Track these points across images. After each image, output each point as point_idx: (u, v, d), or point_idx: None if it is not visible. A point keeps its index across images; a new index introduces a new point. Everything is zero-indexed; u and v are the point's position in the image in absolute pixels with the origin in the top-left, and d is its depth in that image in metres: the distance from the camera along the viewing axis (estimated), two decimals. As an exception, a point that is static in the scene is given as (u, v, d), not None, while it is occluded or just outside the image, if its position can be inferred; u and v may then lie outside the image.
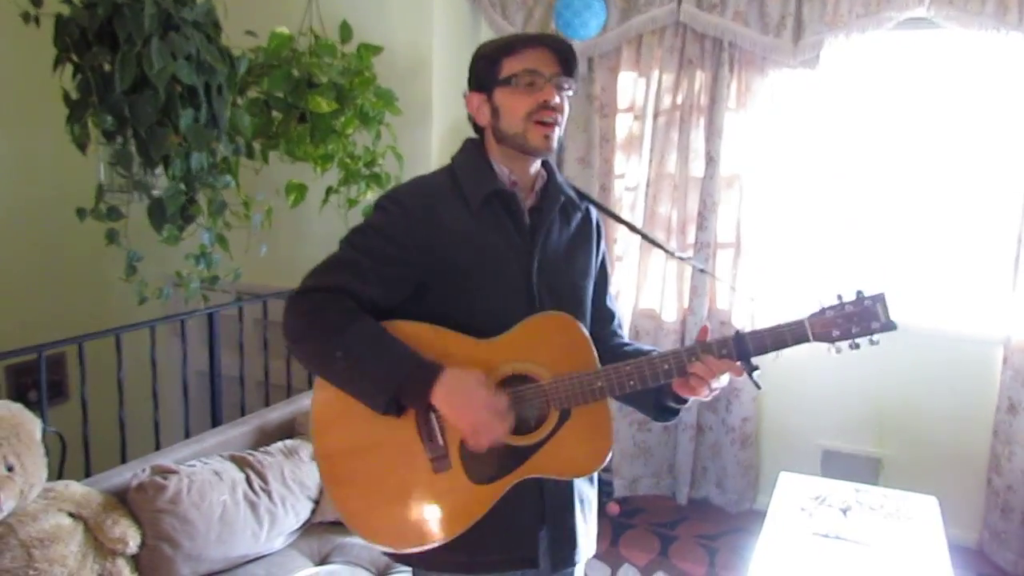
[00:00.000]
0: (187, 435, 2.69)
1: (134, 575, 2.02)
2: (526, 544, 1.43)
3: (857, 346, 1.34)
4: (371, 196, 2.98)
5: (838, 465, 3.31)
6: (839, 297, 1.34)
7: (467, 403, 1.30)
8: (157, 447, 2.70)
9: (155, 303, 2.83)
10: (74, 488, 2.01)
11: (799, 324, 1.34)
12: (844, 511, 2.43)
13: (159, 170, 2.49)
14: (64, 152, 2.63)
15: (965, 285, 3.21)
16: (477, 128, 1.48)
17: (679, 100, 3.36)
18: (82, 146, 2.41)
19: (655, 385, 1.38)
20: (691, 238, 3.42)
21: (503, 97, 1.40)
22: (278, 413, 2.70)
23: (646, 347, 1.53)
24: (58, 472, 2.15)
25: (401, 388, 1.30)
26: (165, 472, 2.11)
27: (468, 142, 1.49)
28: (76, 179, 3.15)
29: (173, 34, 2.32)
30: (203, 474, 2.17)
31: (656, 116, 3.38)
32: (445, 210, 1.39)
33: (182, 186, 2.48)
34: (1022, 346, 2.96)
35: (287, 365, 3.31)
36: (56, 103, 2.39)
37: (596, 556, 2.96)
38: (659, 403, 1.47)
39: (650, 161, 3.42)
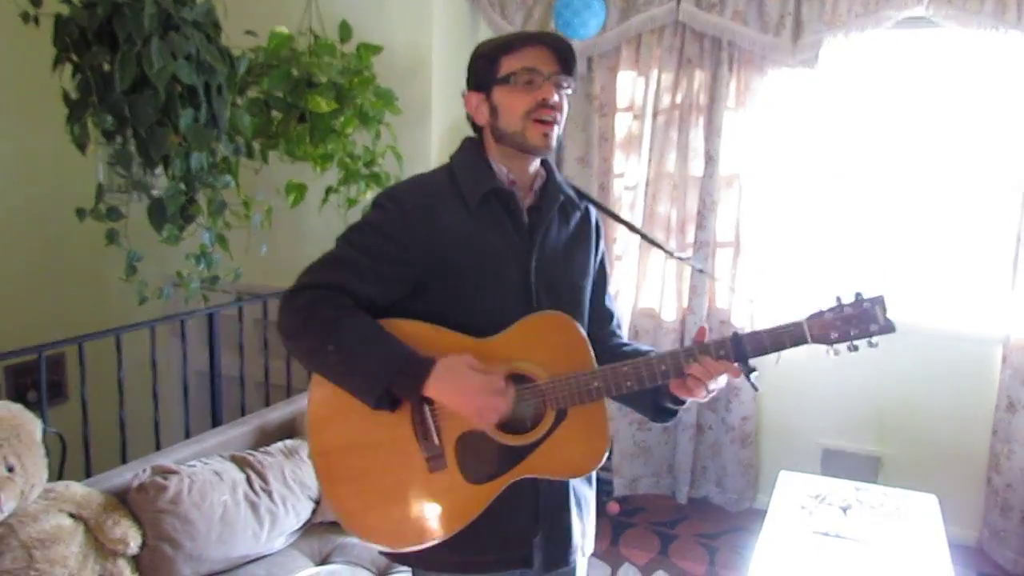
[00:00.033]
0: (187, 435, 2.69)
1: (135, 575, 2.02)
2: (521, 544, 1.43)
3: (855, 348, 1.34)
4: (371, 195, 2.98)
5: (838, 464, 3.31)
6: (838, 299, 1.34)
7: (462, 389, 1.30)
8: (157, 447, 2.71)
9: (155, 303, 2.83)
10: (75, 489, 2.01)
11: (797, 326, 1.34)
12: (844, 510, 2.43)
13: (159, 170, 2.49)
14: (64, 152, 2.63)
15: (964, 284, 3.21)
16: (476, 128, 1.48)
17: (678, 99, 3.36)
18: (82, 146, 2.41)
19: (652, 386, 1.38)
20: (690, 237, 3.42)
21: (502, 96, 1.39)
22: (278, 413, 2.70)
23: (644, 347, 1.52)
24: (58, 473, 2.15)
25: (394, 381, 1.30)
26: (166, 472, 2.11)
27: (467, 141, 1.49)
28: (76, 179, 3.16)
29: (173, 34, 2.32)
30: (204, 474, 2.17)
31: (655, 115, 3.39)
32: (443, 209, 1.39)
33: (182, 186, 2.48)
34: (1021, 345, 2.97)
35: (287, 365, 3.31)
36: (56, 103, 2.39)
37: (596, 555, 2.96)
38: (657, 404, 1.47)
39: (649, 160, 3.42)
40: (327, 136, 2.88)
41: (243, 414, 2.96)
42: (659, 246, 1.75)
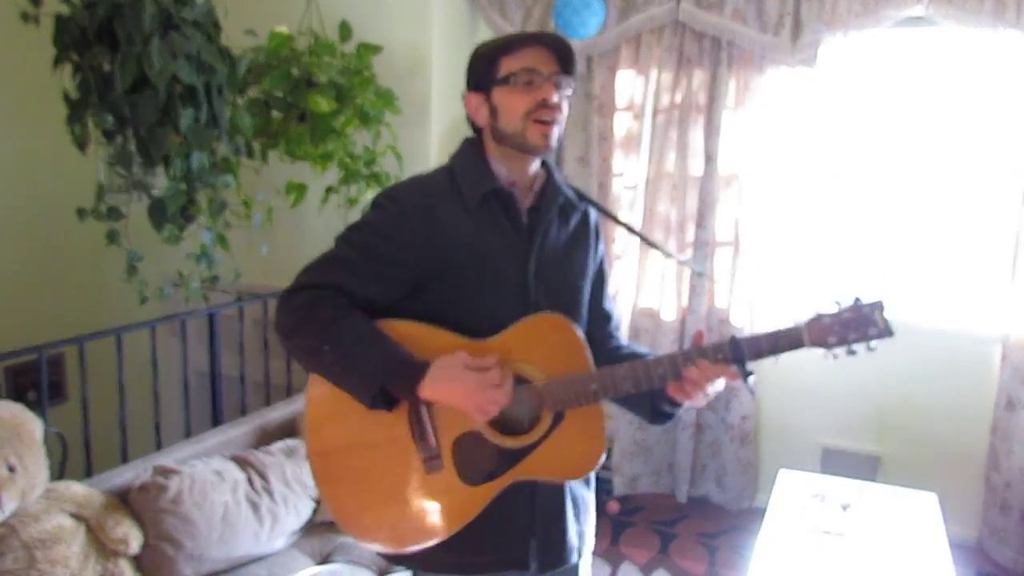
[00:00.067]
0: (188, 435, 2.69)
1: (136, 575, 2.02)
2: (516, 546, 1.43)
3: (853, 353, 1.33)
4: (371, 195, 2.98)
5: (838, 463, 3.32)
6: (837, 303, 1.33)
7: (459, 386, 1.30)
8: (158, 447, 2.71)
9: (155, 303, 2.83)
10: (75, 488, 2.01)
11: (795, 330, 1.33)
12: (844, 508, 2.43)
13: (159, 170, 2.49)
14: (64, 152, 2.63)
15: (964, 283, 3.22)
16: (475, 129, 1.47)
17: (678, 99, 3.37)
18: (82, 146, 2.41)
19: (649, 389, 1.37)
20: (690, 236, 3.42)
21: (501, 96, 1.39)
22: (279, 413, 2.71)
23: (642, 349, 1.52)
24: (59, 473, 2.15)
25: (389, 381, 1.30)
26: (167, 472, 2.12)
27: (466, 142, 1.49)
28: (76, 179, 3.16)
29: (173, 34, 2.33)
30: (205, 474, 2.18)
31: (655, 115, 3.39)
32: (442, 209, 1.39)
33: (182, 186, 2.48)
34: (1020, 343, 2.97)
35: (287, 365, 3.31)
36: (56, 103, 2.39)
37: (596, 554, 2.97)
38: (654, 407, 1.46)
39: (649, 160, 3.42)
40: (327, 136, 2.88)
41: (243, 414, 2.96)
42: (658, 248, 1.75)
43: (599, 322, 1.58)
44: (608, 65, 3.47)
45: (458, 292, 1.39)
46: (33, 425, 1.95)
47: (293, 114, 2.87)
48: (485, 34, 3.56)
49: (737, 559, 3.07)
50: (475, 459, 1.35)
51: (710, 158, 3.31)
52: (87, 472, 2.43)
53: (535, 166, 1.47)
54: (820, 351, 1.34)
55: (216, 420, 2.94)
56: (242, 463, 2.32)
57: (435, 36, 3.30)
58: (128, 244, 2.57)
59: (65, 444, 2.24)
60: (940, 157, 3.19)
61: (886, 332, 1.31)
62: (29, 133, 3.42)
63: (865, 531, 2.30)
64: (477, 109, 1.43)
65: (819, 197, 3.36)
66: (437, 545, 1.36)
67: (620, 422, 3.50)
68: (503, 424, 1.36)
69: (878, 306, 1.32)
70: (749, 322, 3.37)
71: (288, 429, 2.64)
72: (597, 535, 1.59)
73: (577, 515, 1.51)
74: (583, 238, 1.53)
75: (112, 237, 2.53)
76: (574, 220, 1.51)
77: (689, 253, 3.42)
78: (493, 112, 1.41)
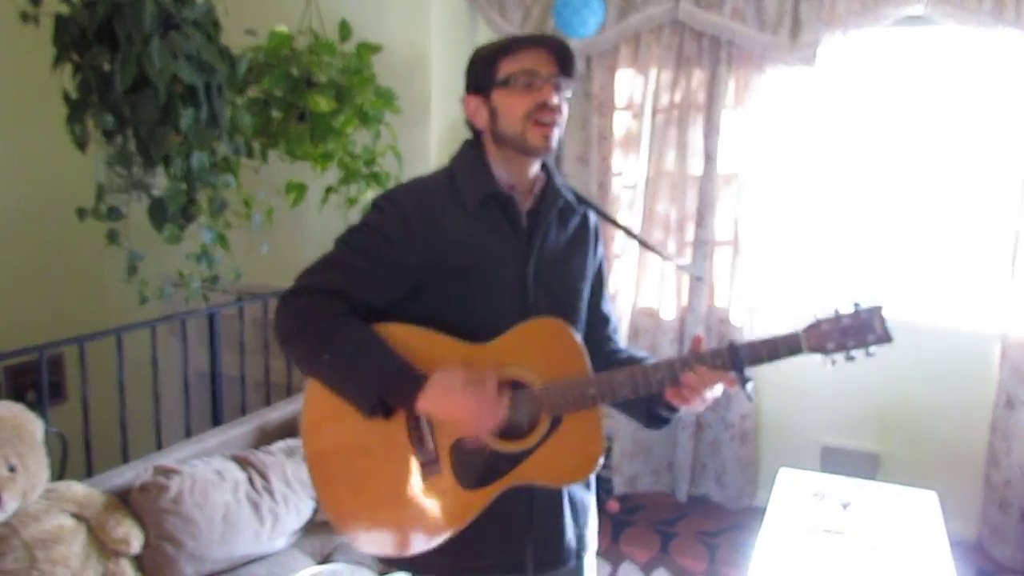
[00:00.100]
0: (188, 435, 2.69)
1: (137, 575, 2.02)
2: (513, 549, 1.43)
3: (852, 359, 1.33)
4: (371, 195, 2.98)
5: (837, 461, 3.32)
6: (836, 310, 1.33)
7: (456, 403, 1.29)
8: (158, 447, 2.71)
9: (155, 303, 2.83)
10: (76, 488, 2.01)
11: (794, 336, 1.33)
12: (844, 507, 2.43)
13: (159, 170, 2.49)
14: (64, 152, 2.64)
15: (963, 281, 3.22)
16: (475, 132, 1.47)
17: (677, 98, 3.37)
18: (82, 146, 2.41)
19: (647, 394, 1.37)
20: (689, 236, 3.42)
21: (501, 98, 1.39)
22: (279, 412, 2.71)
23: (640, 353, 1.52)
24: (59, 473, 2.15)
25: (387, 393, 1.30)
26: (167, 472, 2.12)
27: (466, 144, 1.48)
28: (76, 179, 3.16)
29: (173, 33, 2.33)
30: (205, 474, 2.18)
31: (654, 114, 3.39)
32: (442, 212, 1.39)
33: (183, 186, 2.48)
34: (1019, 342, 2.97)
35: (287, 364, 3.30)
36: (56, 103, 2.39)
37: (597, 554, 2.97)
38: (651, 411, 1.46)
39: (648, 159, 3.42)
40: (327, 135, 2.88)
41: (244, 413, 2.96)
42: (656, 251, 1.75)
43: (597, 324, 1.57)
44: (607, 64, 3.47)
45: (457, 295, 1.39)
46: (34, 425, 1.94)
47: (293, 114, 2.87)
48: (484, 34, 3.56)
49: (737, 558, 3.08)
50: (473, 463, 1.35)
51: (709, 157, 3.31)
52: (88, 472, 2.43)
53: (535, 168, 1.46)
54: (819, 357, 1.34)
55: (216, 420, 2.94)
56: (243, 463, 2.32)
57: (435, 36, 3.30)
58: (128, 244, 2.57)
59: (65, 444, 2.24)
60: (939, 156, 3.20)
61: (885, 338, 1.31)
62: (29, 133, 3.42)
63: (865, 529, 2.30)
64: (477, 111, 1.43)
65: (819, 196, 3.36)
66: (434, 549, 1.36)
67: (620, 421, 3.50)
68: (501, 429, 1.35)
69: (877, 312, 1.31)
70: (748, 321, 3.37)
71: (288, 429, 2.64)
72: (598, 534, 1.59)
73: (575, 517, 1.50)
74: (582, 241, 1.53)
75: (112, 237, 2.54)
76: (573, 223, 1.51)
77: (689, 252, 3.42)
78: (493, 114, 1.40)
